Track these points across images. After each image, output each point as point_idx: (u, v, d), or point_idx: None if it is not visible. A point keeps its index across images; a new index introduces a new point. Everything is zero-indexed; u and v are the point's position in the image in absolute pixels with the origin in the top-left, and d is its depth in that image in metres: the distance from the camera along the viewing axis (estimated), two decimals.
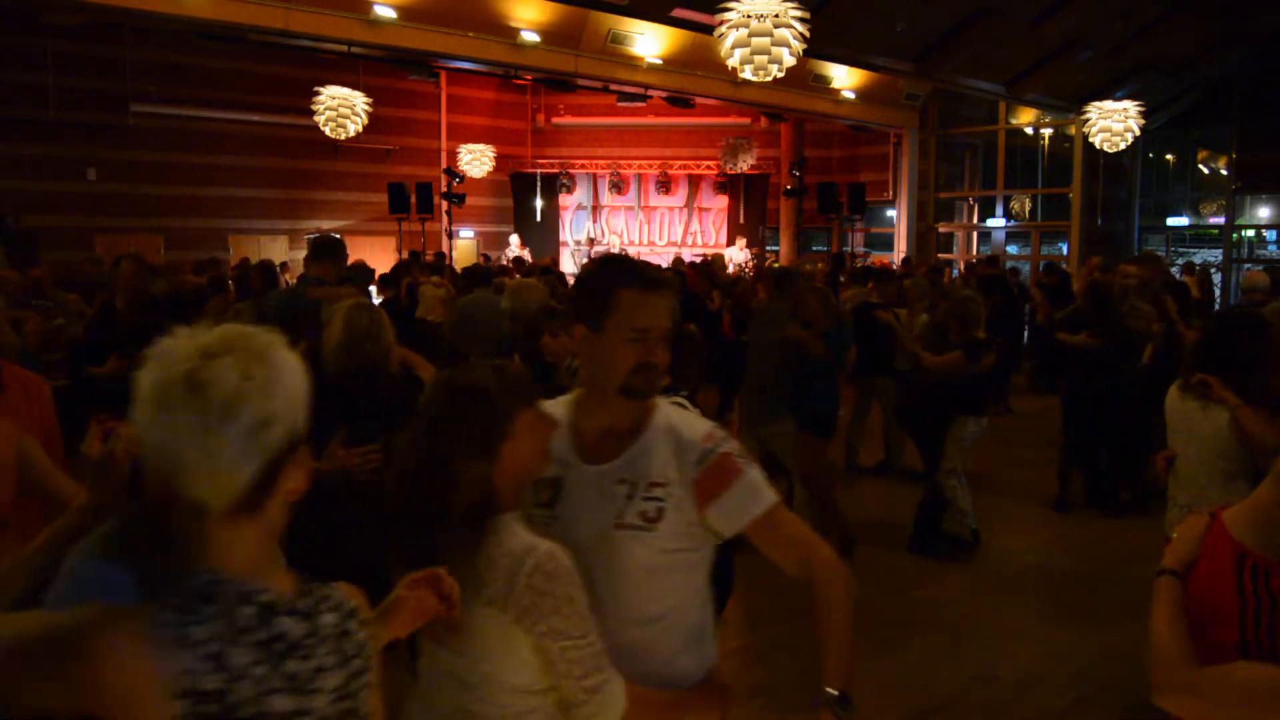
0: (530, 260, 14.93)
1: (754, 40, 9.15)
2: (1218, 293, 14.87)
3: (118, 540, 1.29)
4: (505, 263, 13.92)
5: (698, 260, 13.26)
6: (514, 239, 16.81)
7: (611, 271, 1.82)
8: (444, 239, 15.58)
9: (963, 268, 15.98)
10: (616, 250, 18.02)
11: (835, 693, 1.69)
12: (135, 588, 1.18)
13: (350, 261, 6.83)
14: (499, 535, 1.55)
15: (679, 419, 1.84)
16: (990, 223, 18.15)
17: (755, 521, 1.75)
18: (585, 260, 16.94)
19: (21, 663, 0.94)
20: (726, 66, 9.81)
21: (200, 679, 1.07)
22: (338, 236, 5.38)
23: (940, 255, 17.84)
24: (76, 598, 1.20)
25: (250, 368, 1.13)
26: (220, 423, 1.10)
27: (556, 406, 1.87)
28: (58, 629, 0.98)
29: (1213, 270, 15.59)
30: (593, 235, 19.02)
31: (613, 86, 15.06)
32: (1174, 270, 12.20)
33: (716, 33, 9.51)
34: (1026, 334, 11.78)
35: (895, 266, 13.86)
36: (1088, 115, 13.94)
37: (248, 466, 1.12)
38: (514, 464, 1.61)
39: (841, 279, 11.84)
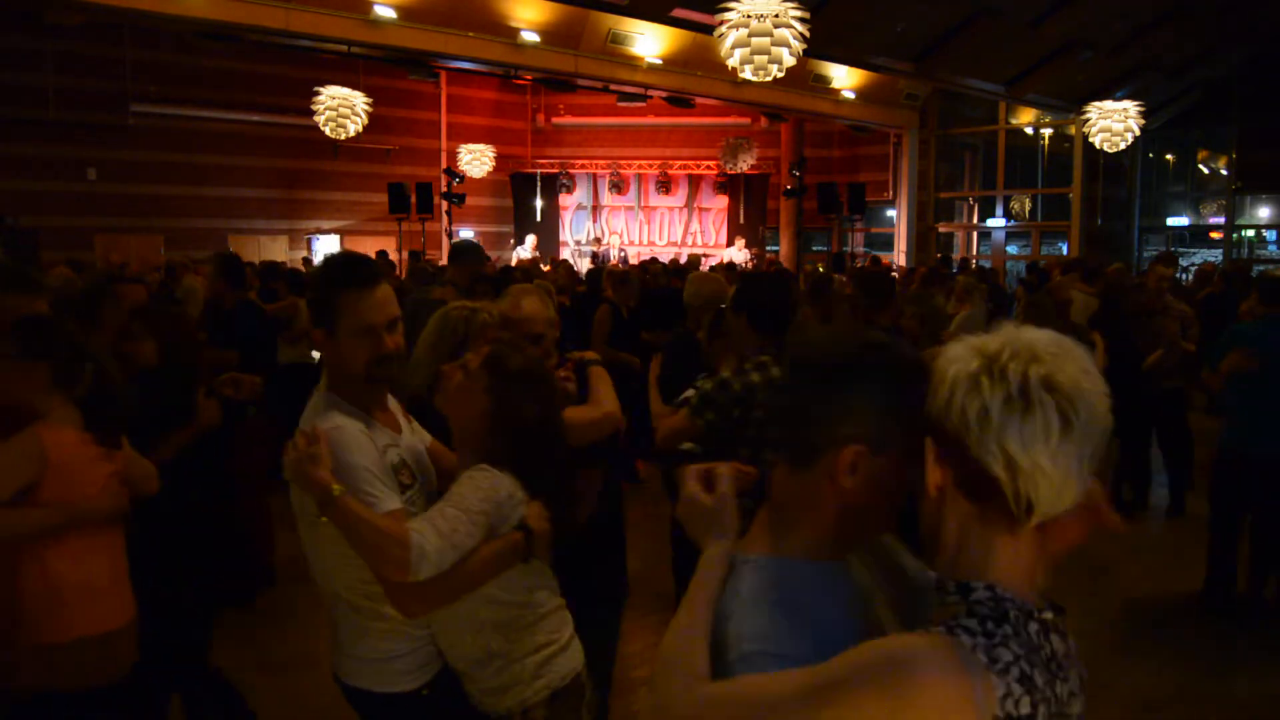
0: (538, 263, 14.86)
1: (754, 40, 9.15)
2: None
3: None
4: (515, 263, 13.86)
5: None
6: (530, 239, 16.85)
7: None
8: (444, 239, 15.59)
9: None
10: (616, 250, 18.03)
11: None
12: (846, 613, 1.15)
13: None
14: None
15: None
16: (990, 223, 18.15)
17: None
18: (591, 259, 16.92)
19: (859, 687, 0.99)
20: (726, 66, 9.81)
21: (1015, 703, 1.02)
22: (475, 242, 5.45)
23: (940, 255, 17.85)
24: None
25: (1091, 375, 1.06)
26: (1084, 428, 1.03)
27: None
28: (876, 657, 1.01)
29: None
30: (596, 235, 19.04)
31: (613, 86, 15.07)
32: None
33: (716, 33, 9.51)
34: None
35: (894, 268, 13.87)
36: (1088, 115, 13.94)
37: (1083, 477, 1.05)
38: None
39: (841, 279, 11.83)
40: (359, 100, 13.34)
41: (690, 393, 3.16)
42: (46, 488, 2.37)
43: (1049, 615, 1.09)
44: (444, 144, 18.22)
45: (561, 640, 2.08)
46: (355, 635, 2.02)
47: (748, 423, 2.99)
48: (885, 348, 1.18)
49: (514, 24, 11.94)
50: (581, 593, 2.29)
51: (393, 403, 2.20)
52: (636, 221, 19.65)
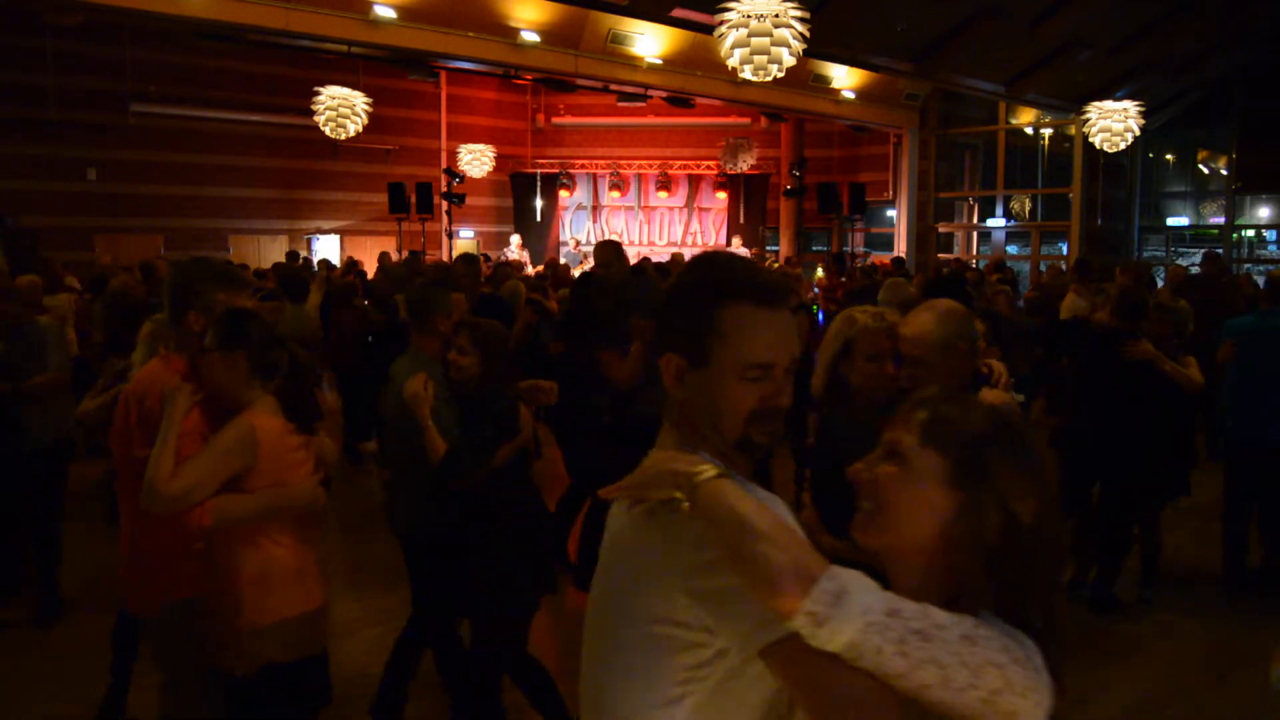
0: (525, 263, 14.89)
1: (754, 40, 9.14)
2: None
3: None
4: (503, 261, 13.91)
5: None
6: (514, 239, 16.82)
7: None
8: (444, 239, 15.60)
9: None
10: None
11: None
12: None
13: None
14: None
15: None
16: (990, 223, 18.15)
17: None
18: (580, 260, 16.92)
19: None
20: (726, 66, 9.80)
21: None
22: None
23: (940, 255, 17.85)
24: None
25: None
26: None
27: None
28: None
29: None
30: (593, 237, 19.02)
31: (613, 86, 15.07)
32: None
33: (716, 33, 9.50)
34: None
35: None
36: (1088, 115, 13.93)
37: None
38: None
39: (843, 279, 11.83)
40: (359, 100, 13.33)
41: None
42: (257, 474, 2.47)
43: None
44: (444, 144, 18.21)
45: None
46: None
47: None
48: None
49: (514, 24, 11.94)
50: None
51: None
52: (636, 221, 19.64)
